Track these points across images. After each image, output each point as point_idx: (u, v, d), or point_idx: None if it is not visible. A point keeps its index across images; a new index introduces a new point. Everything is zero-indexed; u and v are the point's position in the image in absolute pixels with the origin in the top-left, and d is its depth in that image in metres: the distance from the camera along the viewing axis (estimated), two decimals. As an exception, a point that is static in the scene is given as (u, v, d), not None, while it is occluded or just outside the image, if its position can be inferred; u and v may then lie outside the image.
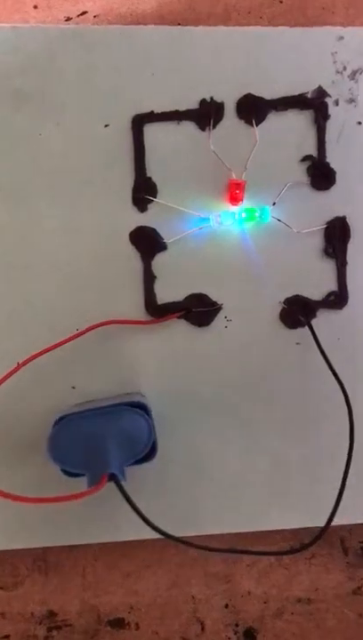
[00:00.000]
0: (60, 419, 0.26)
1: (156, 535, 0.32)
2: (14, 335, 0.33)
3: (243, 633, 0.34)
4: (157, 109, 0.33)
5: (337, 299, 0.35)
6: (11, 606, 0.33)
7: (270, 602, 0.34)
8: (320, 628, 0.34)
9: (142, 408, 0.26)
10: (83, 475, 0.25)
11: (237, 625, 0.34)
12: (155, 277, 0.34)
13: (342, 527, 0.34)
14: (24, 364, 0.31)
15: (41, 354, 0.31)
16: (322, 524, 0.30)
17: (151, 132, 0.34)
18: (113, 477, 0.25)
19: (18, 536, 0.32)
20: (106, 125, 0.33)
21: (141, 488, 0.32)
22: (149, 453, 0.26)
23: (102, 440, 0.25)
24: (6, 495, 0.24)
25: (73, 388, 0.33)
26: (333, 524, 0.31)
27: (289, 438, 0.34)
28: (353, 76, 0.34)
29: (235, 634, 0.34)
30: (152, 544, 0.33)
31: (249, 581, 0.34)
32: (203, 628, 0.34)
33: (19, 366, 0.31)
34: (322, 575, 0.34)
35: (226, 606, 0.34)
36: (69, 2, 0.34)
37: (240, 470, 0.34)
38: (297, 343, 0.34)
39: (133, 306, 0.34)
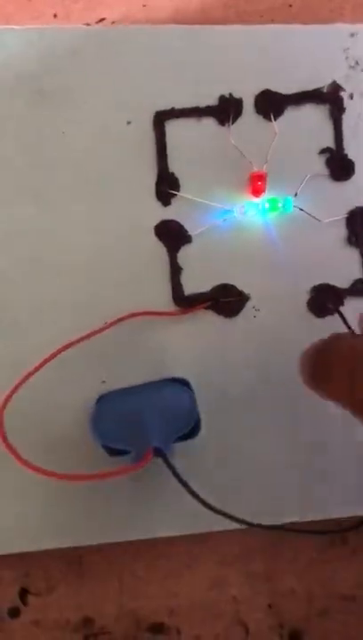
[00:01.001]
0: (101, 397, 0.25)
1: (193, 530, 0.31)
2: (43, 331, 0.32)
3: (288, 635, 0.32)
4: (178, 106, 0.34)
5: (363, 286, 0.35)
6: (45, 613, 0.31)
7: (315, 600, 0.32)
8: (367, 625, 0.33)
9: (184, 384, 0.26)
10: (127, 453, 0.25)
11: (281, 626, 0.32)
12: (181, 269, 0.34)
13: None
14: (54, 355, 0.30)
15: (71, 345, 0.31)
16: None
17: (173, 128, 0.34)
18: (158, 452, 0.24)
19: (50, 536, 0.31)
20: (128, 122, 0.34)
21: (178, 486, 0.32)
22: (194, 429, 0.25)
23: (145, 415, 0.25)
24: (49, 474, 0.24)
25: (103, 382, 0.32)
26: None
27: (326, 425, 0.33)
28: (366, 70, 0.36)
29: (280, 637, 0.32)
30: (189, 544, 0.32)
31: (291, 579, 0.33)
32: (247, 631, 0.32)
33: (48, 358, 0.30)
34: (366, 570, 0.33)
35: (269, 606, 0.32)
36: (88, 10, 0.36)
37: (277, 461, 0.33)
38: (327, 332, 0.34)
39: (161, 298, 0.34)
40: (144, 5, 0.36)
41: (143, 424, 0.24)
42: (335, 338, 0.29)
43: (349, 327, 0.33)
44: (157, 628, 0.32)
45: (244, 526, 0.31)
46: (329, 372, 0.27)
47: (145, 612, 0.32)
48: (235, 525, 0.31)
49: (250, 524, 0.29)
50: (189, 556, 0.32)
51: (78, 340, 0.31)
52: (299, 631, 0.32)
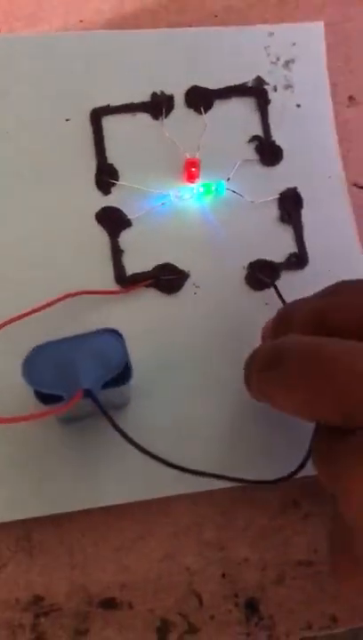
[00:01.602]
0: (36, 346, 0.26)
1: (140, 497, 0.31)
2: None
3: (244, 604, 0.32)
4: (113, 103, 0.37)
5: (298, 259, 0.36)
6: (-6, 594, 0.31)
7: (269, 568, 0.32)
8: (324, 591, 0.32)
9: (115, 333, 0.27)
10: (59, 398, 0.25)
11: (236, 596, 0.32)
12: (122, 251, 0.35)
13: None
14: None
15: (10, 322, 0.31)
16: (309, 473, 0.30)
17: (109, 123, 0.37)
18: (88, 393, 0.25)
19: (-2, 510, 0.31)
20: (67, 120, 0.36)
21: (124, 451, 0.32)
22: (124, 373, 0.26)
23: (76, 360, 0.25)
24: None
25: (48, 360, 0.33)
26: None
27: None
28: (287, 65, 0.38)
29: (236, 605, 0.31)
30: (140, 515, 0.32)
31: (244, 548, 0.32)
32: (201, 602, 0.31)
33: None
34: (319, 535, 0.33)
35: (223, 576, 0.32)
36: (29, 26, 0.38)
37: (219, 427, 0.33)
38: (266, 304, 0.35)
39: (104, 279, 0.35)
40: (81, 21, 0.39)
41: (74, 368, 0.25)
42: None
43: (283, 300, 0.35)
44: (109, 602, 0.31)
45: (198, 488, 0.31)
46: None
47: (96, 588, 0.31)
48: (186, 489, 0.32)
49: (187, 470, 0.29)
50: (139, 529, 0.32)
51: (18, 317, 0.32)
52: (255, 599, 0.31)
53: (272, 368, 0.24)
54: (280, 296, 0.35)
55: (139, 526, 0.32)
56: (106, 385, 0.26)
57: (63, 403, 0.25)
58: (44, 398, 0.26)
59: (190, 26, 0.40)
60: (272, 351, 0.25)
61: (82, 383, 0.25)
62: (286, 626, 0.31)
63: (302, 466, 0.31)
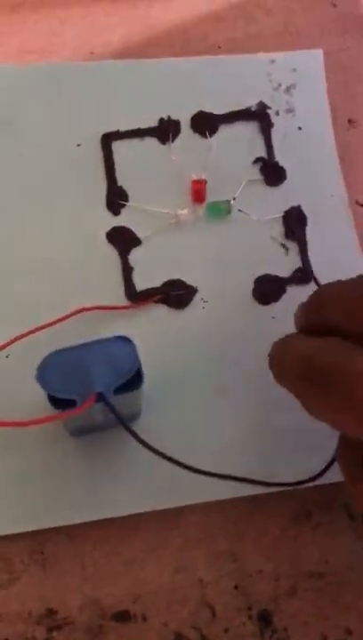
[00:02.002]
0: (50, 353, 0.27)
1: (152, 507, 0.32)
2: (2, 328, 0.34)
3: (257, 616, 0.31)
4: (123, 128, 0.38)
5: (303, 274, 0.37)
6: (7, 606, 0.30)
7: (282, 579, 0.32)
8: (338, 604, 0.32)
9: (126, 339, 0.27)
10: (73, 405, 0.26)
11: (250, 608, 0.31)
12: (132, 269, 0.36)
13: (345, 493, 0.33)
14: (5, 346, 0.32)
15: (25, 335, 0.32)
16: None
17: (119, 148, 0.38)
18: (101, 397, 0.25)
19: (9, 521, 0.31)
20: (78, 145, 0.38)
21: (137, 462, 0.32)
22: (136, 378, 0.27)
23: (89, 365, 0.26)
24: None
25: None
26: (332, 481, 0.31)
27: (276, 404, 0.34)
28: (288, 90, 0.40)
29: (249, 618, 0.31)
30: (152, 527, 0.32)
31: (257, 559, 0.32)
32: (214, 614, 0.31)
33: (7, 343, 0.32)
34: (330, 546, 0.32)
35: (236, 587, 0.32)
36: (41, 59, 0.40)
37: (230, 438, 0.34)
38: (273, 317, 0.36)
39: (115, 296, 0.36)
40: (91, 53, 0.41)
41: (87, 373, 0.26)
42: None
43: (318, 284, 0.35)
44: (122, 615, 0.31)
45: (210, 497, 0.32)
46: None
47: (109, 600, 0.31)
48: (198, 498, 0.32)
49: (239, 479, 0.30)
50: (151, 541, 0.32)
51: (32, 331, 0.33)
52: (268, 612, 0.31)
53: (316, 384, 0.24)
54: (316, 280, 0.36)
55: (151, 538, 0.32)
56: (118, 390, 0.26)
57: (76, 407, 0.25)
58: (58, 405, 0.26)
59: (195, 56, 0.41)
60: (316, 365, 0.25)
61: (95, 387, 0.26)
62: (301, 638, 0.31)
63: (325, 469, 0.31)
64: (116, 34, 0.41)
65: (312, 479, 0.31)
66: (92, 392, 0.25)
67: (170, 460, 0.28)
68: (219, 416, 0.34)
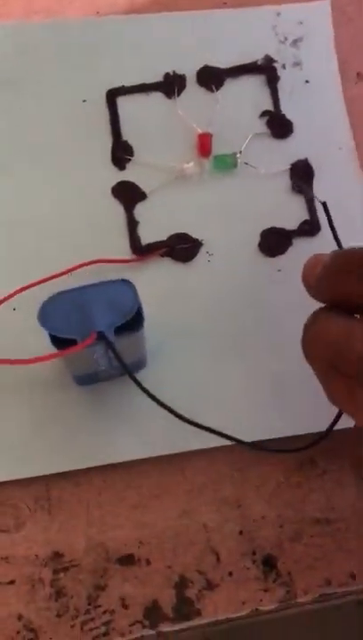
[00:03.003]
0: (52, 295, 0.27)
1: (159, 452, 0.32)
2: (9, 283, 0.35)
3: (261, 561, 0.31)
4: (128, 84, 0.38)
5: (310, 227, 0.37)
6: (14, 550, 0.31)
7: (286, 525, 0.32)
8: (342, 549, 0.32)
9: (126, 282, 0.28)
10: (75, 343, 0.26)
11: (254, 553, 0.31)
12: (138, 223, 0.36)
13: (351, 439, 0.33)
14: (12, 295, 0.32)
15: (29, 287, 0.33)
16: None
17: (124, 103, 0.38)
18: (102, 335, 0.26)
19: (17, 466, 0.32)
20: (84, 100, 0.38)
21: (141, 409, 0.33)
22: (137, 319, 0.27)
23: (89, 305, 0.26)
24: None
25: (67, 325, 0.34)
26: (340, 427, 0.31)
27: (281, 356, 0.34)
28: (294, 44, 0.40)
29: (253, 562, 0.31)
30: (157, 473, 0.32)
31: (261, 505, 0.32)
32: (218, 559, 0.31)
33: (12, 293, 0.32)
34: (337, 492, 0.32)
35: (240, 533, 0.32)
36: (47, 19, 0.41)
37: (235, 390, 0.34)
38: (278, 270, 0.36)
39: (121, 250, 0.36)
40: (97, 12, 0.41)
41: (88, 312, 0.26)
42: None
43: (331, 222, 0.33)
44: (127, 559, 0.31)
45: (212, 444, 0.32)
46: None
47: (114, 544, 0.31)
48: (200, 445, 0.32)
49: (228, 437, 0.30)
50: (156, 487, 0.32)
51: (36, 283, 0.33)
52: (272, 556, 0.31)
53: (346, 375, 0.24)
54: (329, 216, 0.33)
55: (156, 484, 0.32)
56: (119, 330, 0.27)
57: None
58: (62, 348, 0.27)
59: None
60: (346, 354, 0.24)
61: (95, 326, 0.26)
62: (305, 583, 0.31)
63: (324, 436, 0.31)
64: (121, -9, 0.41)
65: (309, 446, 0.32)
66: (93, 331, 0.26)
67: (166, 407, 0.29)
68: (224, 368, 0.34)
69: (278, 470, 0.33)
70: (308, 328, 0.27)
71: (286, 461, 0.33)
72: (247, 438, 0.32)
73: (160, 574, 0.31)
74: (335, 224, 0.37)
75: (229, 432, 0.31)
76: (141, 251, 0.36)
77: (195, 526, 0.32)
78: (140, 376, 0.33)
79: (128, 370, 0.28)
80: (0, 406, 0.32)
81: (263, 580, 0.31)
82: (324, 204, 0.33)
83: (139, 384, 0.28)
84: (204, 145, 0.37)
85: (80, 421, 0.32)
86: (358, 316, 0.26)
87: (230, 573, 0.31)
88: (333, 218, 0.37)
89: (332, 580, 0.31)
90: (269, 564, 0.31)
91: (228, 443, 0.32)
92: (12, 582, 0.31)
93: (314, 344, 0.26)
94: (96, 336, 0.26)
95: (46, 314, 0.26)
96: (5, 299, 0.32)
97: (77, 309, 0.26)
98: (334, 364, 0.25)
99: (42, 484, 0.32)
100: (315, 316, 0.27)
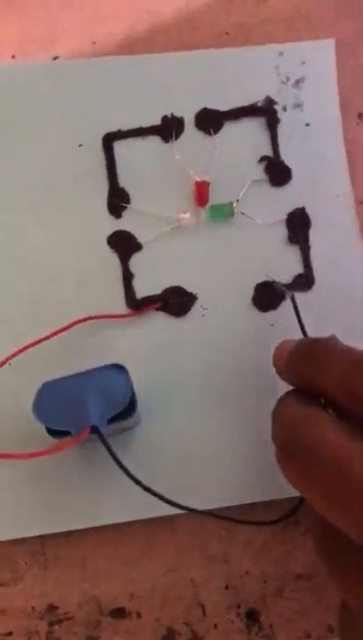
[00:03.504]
0: (44, 384, 0.28)
1: (150, 514, 0.33)
2: (1, 336, 0.35)
3: (245, 614, 0.33)
4: (124, 128, 0.38)
5: (305, 280, 0.37)
6: (11, 602, 0.33)
7: (270, 580, 0.34)
8: (322, 603, 0.34)
9: (120, 368, 0.28)
10: (69, 433, 0.27)
11: (238, 606, 0.33)
12: (133, 275, 0.37)
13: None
14: (10, 357, 0.33)
15: (25, 349, 0.33)
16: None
17: (121, 147, 0.38)
18: (95, 429, 0.27)
19: (13, 526, 0.33)
20: (80, 145, 0.37)
21: (131, 470, 0.34)
22: (129, 408, 0.28)
23: (83, 397, 0.27)
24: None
25: (61, 382, 0.35)
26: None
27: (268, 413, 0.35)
28: (297, 84, 0.38)
29: (237, 615, 0.33)
30: (149, 531, 0.34)
31: (247, 561, 0.34)
32: (204, 612, 0.33)
33: (7, 358, 0.33)
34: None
35: (226, 588, 0.34)
36: (42, 50, 0.39)
37: (228, 445, 0.35)
38: (271, 325, 0.36)
39: (115, 303, 0.36)
40: (93, 42, 0.40)
41: (81, 405, 0.27)
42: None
43: (298, 315, 0.35)
44: (119, 612, 0.33)
45: (180, 510, 0.33)
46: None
47: (106, 598, 0.33)
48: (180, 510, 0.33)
49: (183, 508, 0.30)
50: (147, 544, 0.34)
51: (36, 342, 0.34)
52: (256, 610, 0.33)
53: (300, 461, 0.25)
54: (296, 309, 0.34)
55: (147, 541, 0.34)
56: (112, 419, 0.27)
57: (71, 436, 0.26)
58: (55, 431, 0.27)
59: (202, 44, 0.40)
60: (299, 440, 0.25)
61: (89, 419, 0.27)
62: (286, 635, 0.33)
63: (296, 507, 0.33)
64: (119, 21, 0.40)
65: (287, 516, 0.33)
66: (87, 425, 0.26)
67: (140, 484, 0.29)
68: (216, 425, 0.35)
69: (264, 530, 0.34)
70: (274, 409, 0.29)
71: (273, 516, 0.34)
72: (236, 499, 0.33)
73: (149, 626, 0.33)
74: (332, 276, 0.37)
75: (215, 492, 0.33)
76: (136, 304, 0.36)
77: (183, 581, 0.34)
78: (132, 434, 0.34)
79: (115, 457, 0.28)
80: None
81: (247, 633, 0.33)
82: (292, 297, 0.35)
83: (120, 464, 0.29)
84: (201, 194, 0.37)
85: (74, 482, 0.33)
86: (323, 401, 0.27)
87: (216, 626, 0.33)
88: (329, 270, 0.37)
89: (311, 632, 0.33)
90: (252, 617, 0.33)
91: (215, 506, 0.33)
92: (9, 634, 0.33)
93: (275, 425, 0.28)
94: (90, 430, 0.27)
95: (41, 407, 0.27)
96: (3, 363, 0.33)
97: (71, 400, 0.27)
98: (289, 446, 0.26)
99: (37, 540, 0.34)
100: (281, 399, 0.29)
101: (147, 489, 0.29)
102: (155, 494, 0.29)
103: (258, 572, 0.34)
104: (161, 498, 0.29)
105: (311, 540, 0.34)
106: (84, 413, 0.27)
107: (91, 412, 0.27)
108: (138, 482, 0.28)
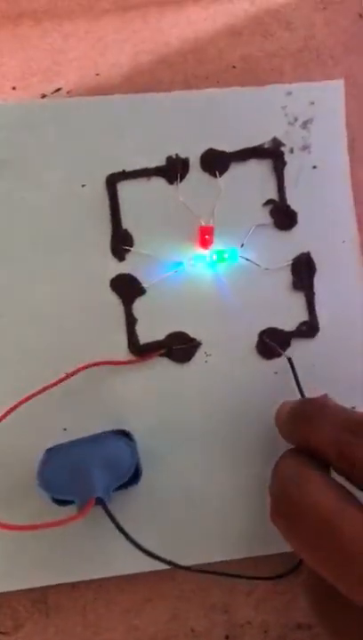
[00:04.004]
0: (48, 450, 0.28)
1: (151, 567, 0.33)
2: (2, 382, 0.35)
3: (245, 664, 0.34)
4: (128, 168, 0.37)
5: (309, 328, 0.37)
6: (13, 650, 0.33)
7: (271, 630, 0.34)
8: (321, 653, 0.34)
9: (125, 435, 0.28)
10: (72, 502, 0.27)
11: (238, 656, 0.34)
12: (136, 320, 0.36)
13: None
14: (18, 405, 0.33)
15: (32, 396, 0.33)
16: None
17: (124, 188, 0.37)
18: (100, 501, 0.26)
19: (15, 577, 0.33)
20: (83, 185, 0.37)
21: (133, 521, 0.34)
22: (134, 477, 0.28)
23: (87, 466, 0.27)
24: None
25: (64, 429, 0.34)
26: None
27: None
28: (304, 125, 0.38)
29: (237, 665, 0.34)
30: (150, 579, 0.34)
31: (248, 611, 0.34)
32: (205, 661, 0.34)
33: (11, 408, 0.33)
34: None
35: (226, 638, 0.34)
36: (44, 82, 0.38)
37: (231, 496, 0.35)
38: (275, 372, 0.36)
39: (118, 348, 0.36)
40: (97, 74, 0.39)
41: (86, 476, 0.27)
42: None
43: (295, 375, 0.35)
44: (120, 660, 0.34)
45: (200, 561, 0.33)
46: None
47: (108, 646, 0.34)
48: (182, 563, 0.34)
49: (178, 566, 0.31)
50: (148, 592, 0.34)
51: (39, 392, 0.33)
52: (255, 661, 0.34)
53: (289, 518, 0.26)
54: (294, 370, 0.35)
55: (147, 590, 0.34)
56: (116, 488, 0.27)
57: (78, 508, 0.26)
58: (60, 502, 0.27)
59: (207, 78, 0.39)
60: (289, 495, 0.26)
61: (94, 492, 0.27)
62: None
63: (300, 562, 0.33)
64: (123, 53, 0.39)
65: (290, 571, 0.33)
66: (92, 497, 0.26)
67: (138, 547, 0.30)
68: (220, 474, 0.35)
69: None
70: (274, 466, 0.30)
71: (272, 570, 0.34)
72: (238, 553, 0.34)
73: (150, 676, 0.33)
74: (337, 324, 0.37)
75: (217, 546, 0.33)
76: (139, 350, 0.36)
77: (183, 630, 0.34)
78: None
79: (119, 526, 0.28)
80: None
81: None
82: (289, 360, 0.35)
83: (115, 522, 0.29)
84: (205, 239, 0.37)
85: (76, 534, 0.33)
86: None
87: (215, 675, 0.34)
88: (334, 317, 0.37)
89: None
90: (252, 667, 0.34)
91: (216, 560, 0.33)
92: None
93: (272, 480, 0.29)
94: (95, 501, 0.27)
95: (45, 476, 0.27)
96: (6, 414, 0.33)
97: (75, 469, 0.27)
98: (278, 502, 0.28)
99: (39, 588, 0.34)
100: (281, 456, 0.30)
101: (148, 552, 0.29)
102: (155, 557, 0.29)
103: (259, 622, 0.34)
104: (161, 560, 0.29)
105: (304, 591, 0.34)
106: (88, 484, 0.27)
107: (96, 483, 0.27)
108: (139, 546, 0.29)
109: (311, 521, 0.24)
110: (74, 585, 0.34)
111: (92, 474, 0.27)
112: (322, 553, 0.24)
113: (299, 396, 0.34)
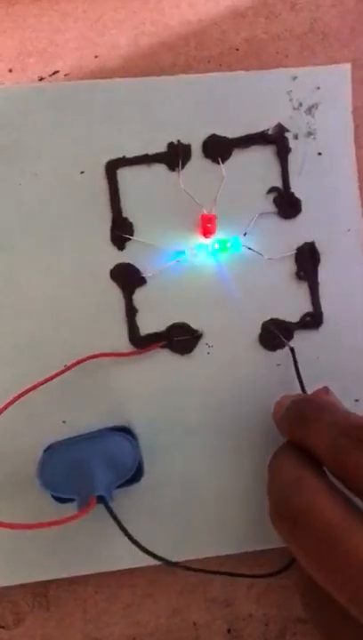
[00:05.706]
0: (49, 447, 0.27)
1: (152, 562, 0.33)
2: (2, 374, 0.34)
3: (247, 657, 0.34)
4: (129, 154, 0.36)
5: (313, 319, 0.36)
6: (13, 644, 0.33)
7: (271, 623, 0.34)
8: (323, 646, 0.34)
9: (126, 432, 0.27)
10: (73, 500, 0.26)
11: (240, 649, 0.34)
12: (136, 311, 0.36)
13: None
14: (17, 398, 0.32)
15: (31, 389, 0.32)
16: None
17: (124, 175, 0.36)
18: (101, 499, 0.26)
19: (16, 571, 0.33)
20: (82, 172, 0.36)
21: (134, 515, 0.33)
22: (136, 474, 0.27)
23: (89, 464, 0.26)
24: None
25: (63, 422, 0.34)
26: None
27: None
28: (310, 111, 0.37)
29: (239, 659, 0.34)
30: (151, 573, 0.34)
31: (249, 604, 0.34)
32: (206, 655, 0.34)
33: (10, 402, 0.32)
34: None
35: (228, 631, 0.34)
36: (41, 64, 0.37)
37: (232, 490, 0.34)
38: (278, 364, 0.36)
39: (118, 339, 0.35)
40: (96, 56, 0.37)
41: (88, 474, 0.26)
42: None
43: (296, 366, 0.35)
44: (121, 655, 0.33)
45: (200, 556, 0.33)
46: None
47: (109, 640, 0.33)
48: (183, 557, 0.33)
49: (179, 567, 0.31)
50: (149, 586, 0.34)
51: (39, 384, 0.33)
52: (257, 654, 0.34)
53: (291, 526, 0.25)
54: (295, 361, 0.35)
55: (148, 584, 0.34)
56: (118, 486, 0.27)
57: (78, 506, 0.26)
58: (61, 499, 0.27)
59: (209, 62, 0.38)
60: (290, 500, 0.26)
61: (95, 489, 0.26)
62: None
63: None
64: (123, 34, 0.37)
65: (286, 567, 0.33)
66: (93, 495, 0.26)
67: (137, 545, 0.29)
68: (221, 468, 0.35)
69: (265, 572, 0.34)
70: (270, 460, 0.30)
71: (273, 564, 0.34)
72: (238, 547, 0.33)
73: (152, 669, 0.33)
74: (341, 315, 0.36)
75: (219, 540, 0.33)
76: (140, 341, 0.35)
77: (185, 624, 0.34)
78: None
79: (117, 520, 0.28)
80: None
81: (247, 675, 0.34)
82: (291, 349, 0.35)
83: (116, 520, 0.28)
84: (207, 227, 0.36)
85: (77, 528, 0.33)
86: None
87: (217, 668, 0.34)
88: (338, 308, 0.36)
89: (311, 675, 0.34)
90: (253, 660, 0.34)
91: (218, 554, 0.33)
92: None
93: (270, 478, 0.29)
94: (96, 499, 0.26)
95: (46, 474, 0.26)
96: (5, 407, 0.32)
97: (77, 468, 0.27)
98: (279, 506, 0.27)
99: (40, 582, 0.33)
100: (277, 451, 0.30)
101: (148, 552, 0.28)
102: (155, 557, 0.28)
103: (260, 615, 0.34)
104: (161, 559, 0.29)
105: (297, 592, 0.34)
106: (90, 483, 0.26)
107: (97, 481, 0.26)
108: (139, 545, 0.28)
109: (315, 531, 0.24)
110: (75, 579, 0.33)
111: (93, 472, 0.26)
112: (324, 564, 0.23)
113: (299, 388, 0.34)
